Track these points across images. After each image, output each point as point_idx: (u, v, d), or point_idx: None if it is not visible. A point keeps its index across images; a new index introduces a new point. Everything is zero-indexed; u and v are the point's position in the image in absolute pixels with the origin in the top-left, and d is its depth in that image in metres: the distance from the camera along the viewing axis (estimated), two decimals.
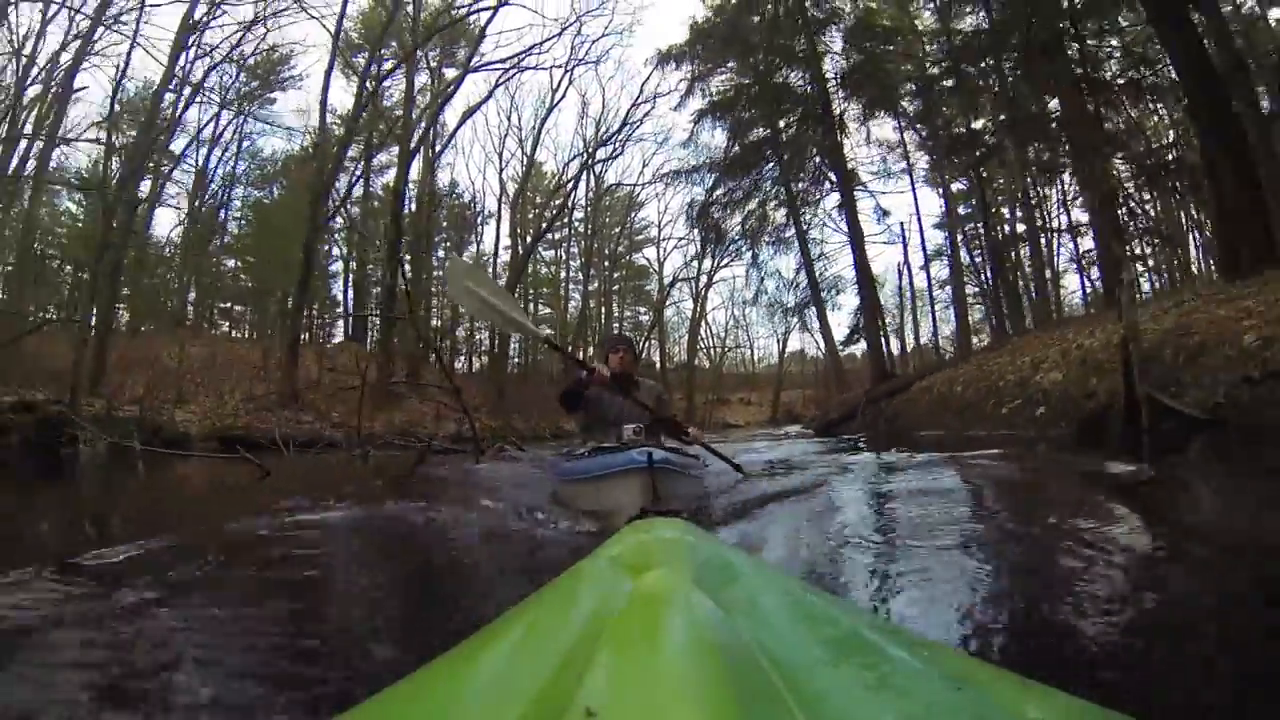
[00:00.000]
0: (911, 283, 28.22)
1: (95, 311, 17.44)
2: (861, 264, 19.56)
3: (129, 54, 23.87)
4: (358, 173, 28.12)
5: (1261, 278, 7.72)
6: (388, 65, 23.63)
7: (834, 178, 20.16)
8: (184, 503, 5.88)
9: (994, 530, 2.80)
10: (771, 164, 21.38)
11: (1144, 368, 5.86)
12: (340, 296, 36.89)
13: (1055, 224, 21.14)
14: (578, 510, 3.51)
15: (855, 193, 20.54)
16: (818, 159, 20.57)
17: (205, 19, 20.75)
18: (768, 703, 0.45)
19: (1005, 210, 21.74)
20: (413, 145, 24.35)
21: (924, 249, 25.81)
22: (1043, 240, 20.97)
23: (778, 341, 43.10)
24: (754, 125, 21.69)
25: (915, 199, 25.11)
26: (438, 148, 29.20)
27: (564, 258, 40.25)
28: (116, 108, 21.93)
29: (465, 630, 0.77)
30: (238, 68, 25.80)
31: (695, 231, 27.29)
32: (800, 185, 21.13)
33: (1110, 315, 9.77)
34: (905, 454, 6.46)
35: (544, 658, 0.56)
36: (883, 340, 21.08)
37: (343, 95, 23.44)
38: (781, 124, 20.97)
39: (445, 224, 35.69)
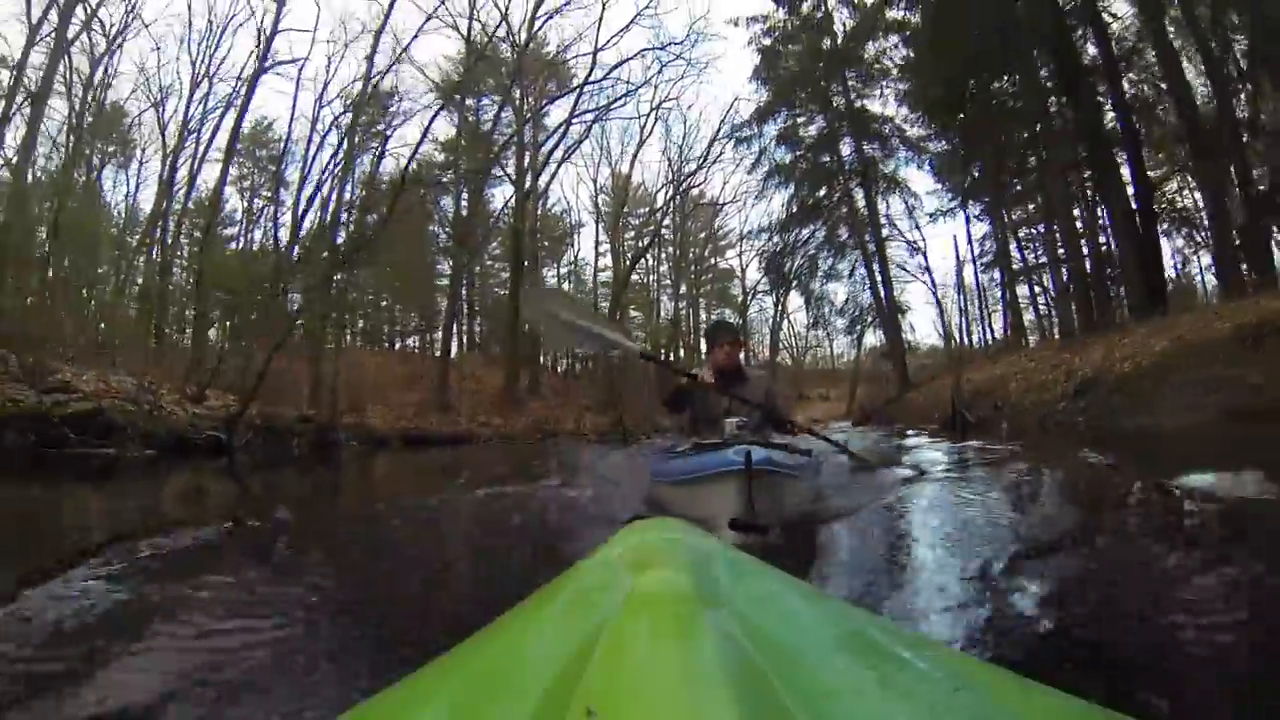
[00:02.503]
0: (963, 286, 33.64)
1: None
2: (889, 300, 26.22)
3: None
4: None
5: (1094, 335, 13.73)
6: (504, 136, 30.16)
7: (867, 236, 26.64)
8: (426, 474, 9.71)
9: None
10: (821, 221, 28.22)
11: (972, 397, 12.08)
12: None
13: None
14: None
15: (890, 239, 27.59)
16: (851, 223, 27.35)
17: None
18: (767, 703, 0.46)
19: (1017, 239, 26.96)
20: (526, 189, 31.09)
21: (973, 259, 31.12)
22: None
23: (852, 343, 47.68)
24: (808, 188, 28.41)
25: (965, 211, 30.56)
26: (541, 183, 35.05)
27: (653, 264, 45.53)
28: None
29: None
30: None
31: (766, 278, 34.19)
32: (845, 235, 27.62)
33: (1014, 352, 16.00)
34: (878, 431, 13.83)
35: (544, 658, 0.60)
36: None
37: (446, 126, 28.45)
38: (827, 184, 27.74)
39: (539, 234, 41.34)
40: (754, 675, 0.50)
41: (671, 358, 41.17)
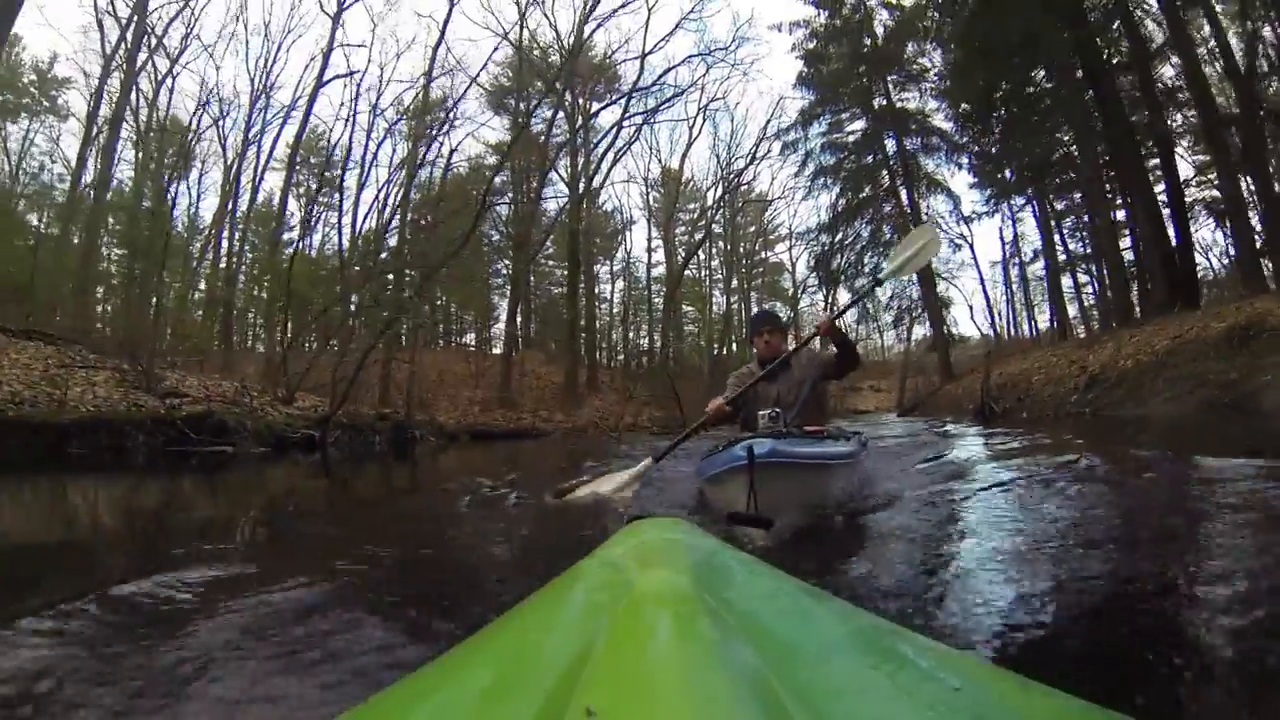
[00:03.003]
0: (1009, 279, 34.33)
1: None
2: (930, 297, 27.49)
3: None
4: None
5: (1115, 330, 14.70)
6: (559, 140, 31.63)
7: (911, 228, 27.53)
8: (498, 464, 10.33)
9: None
10: (866, 220, 29.49)
11: (1000, 390, 13.19)
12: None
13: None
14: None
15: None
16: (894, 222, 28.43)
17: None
18: (766, 703, 0.47)
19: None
20: (581, 191, 32.52)
21: (1017, 252, 32.01)
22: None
23: (900, 335, 47.46)
24: (852, 190, 29.68)
25: (1005, 208, 31.17)
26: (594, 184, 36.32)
27: (705, 259, 46.34)
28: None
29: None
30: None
31: (816, 275, 35.65)
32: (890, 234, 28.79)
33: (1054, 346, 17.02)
34: (913, 420, 15.21)
35: (544, 658, 0.61)
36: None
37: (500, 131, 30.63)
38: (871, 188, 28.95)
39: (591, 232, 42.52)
40: (754, 675, 0.52)
41: (723, 353, 42.32)
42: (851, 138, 30.14)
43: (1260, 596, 1.75)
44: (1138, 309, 18.94)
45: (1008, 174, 24.98)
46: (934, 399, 22.15)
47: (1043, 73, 20.25)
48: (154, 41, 27.22)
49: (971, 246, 31.46)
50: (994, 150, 24.24)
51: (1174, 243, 17.04)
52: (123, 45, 26.25)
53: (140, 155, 28.54)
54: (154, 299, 24.82)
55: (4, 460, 9.25)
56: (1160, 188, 18.23)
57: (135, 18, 26.16)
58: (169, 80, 28.85)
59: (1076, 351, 14.39)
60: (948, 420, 13.80)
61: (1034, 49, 17.88)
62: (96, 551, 3.94)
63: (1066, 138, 21.84)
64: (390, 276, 23.13)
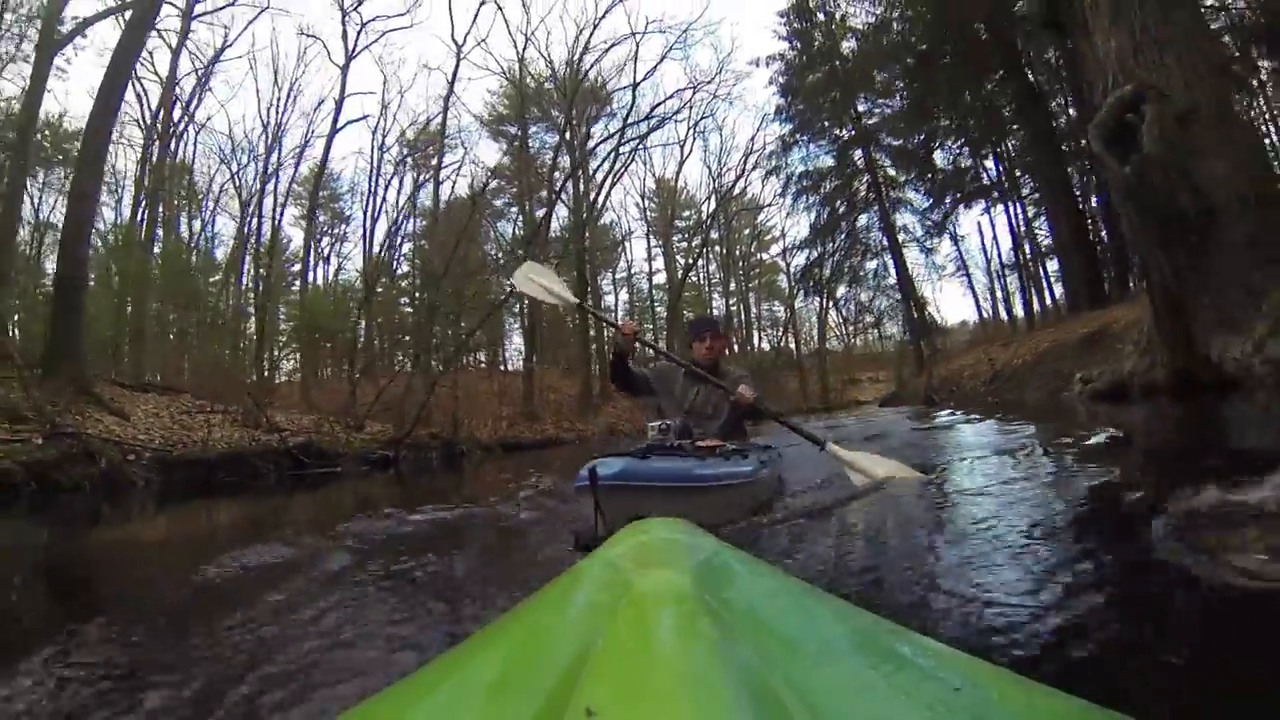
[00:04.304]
0: (989, 271, 38.07)
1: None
2: (907, 297, 31.44)
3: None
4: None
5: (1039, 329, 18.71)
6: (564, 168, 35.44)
7: (885, 241, 31.91)
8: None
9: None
10: (844, 233, 33.47)
11: (941, 382, 17.21)
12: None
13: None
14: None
15: (905, 244, 32.84)
16: (874, 228, 32.61)
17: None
18: (766, 703, 0.48)
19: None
20: (584, 216, 36.35)
21: (996, 244, 35.75)
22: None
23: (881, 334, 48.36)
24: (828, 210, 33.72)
25: (987, 206, 34.11)
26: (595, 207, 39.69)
27: (703, 263, 49.62)
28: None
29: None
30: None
31: (799, 287, 39.85)
32: (871, 237, 32.81)
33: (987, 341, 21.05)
34: (890, 412, 18.71)
35: (544, 658, 0.63)
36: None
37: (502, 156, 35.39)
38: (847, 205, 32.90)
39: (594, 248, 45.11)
40: (754, 675, 0.53)
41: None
42: (826, 161, 34.24)
43: (1259, 595, 1.72)
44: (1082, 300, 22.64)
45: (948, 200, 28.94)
46: (906, 390, 25.96)
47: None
48: (181, 109, 31.43)
49: (956, 240, 34.83)
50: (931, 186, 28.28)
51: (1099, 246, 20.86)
52: (160, 113, 30.60)
53: (163, 207, 32.26)
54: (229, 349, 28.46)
55: (174, 489, 11.84)
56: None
57: (166, 87, 30.33)
58: (186, 133, 32.93)
59: (995, 350, 18.22)
60: (907, 408, 17.57)
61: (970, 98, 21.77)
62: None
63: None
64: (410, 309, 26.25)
